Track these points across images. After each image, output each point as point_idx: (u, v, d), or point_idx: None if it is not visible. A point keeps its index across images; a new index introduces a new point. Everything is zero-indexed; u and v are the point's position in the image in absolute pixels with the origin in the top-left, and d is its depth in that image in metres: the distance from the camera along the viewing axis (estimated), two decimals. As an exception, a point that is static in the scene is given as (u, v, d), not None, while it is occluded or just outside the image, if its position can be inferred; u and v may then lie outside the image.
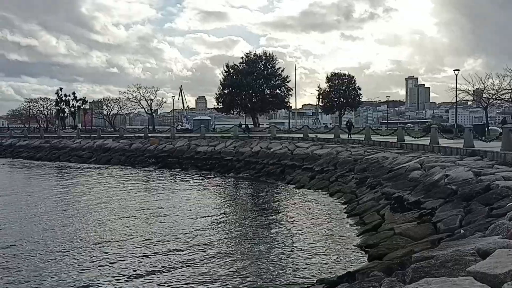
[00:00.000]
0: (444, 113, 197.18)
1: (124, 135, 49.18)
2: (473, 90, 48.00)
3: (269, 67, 62.02)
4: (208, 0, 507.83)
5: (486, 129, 38.24)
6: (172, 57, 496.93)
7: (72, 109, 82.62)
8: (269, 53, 63.62)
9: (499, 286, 4.47)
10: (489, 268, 4.78)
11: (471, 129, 20.78)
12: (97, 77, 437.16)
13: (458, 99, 47.51)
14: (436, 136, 22.99)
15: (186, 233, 13.91)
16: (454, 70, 43.62)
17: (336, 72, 74.30)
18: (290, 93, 64.73)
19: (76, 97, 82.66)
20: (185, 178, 28.97)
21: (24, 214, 17.53)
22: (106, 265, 10.71)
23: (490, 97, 47.41)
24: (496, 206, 10.06)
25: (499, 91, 45.49)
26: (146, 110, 77.91)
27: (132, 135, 49.98)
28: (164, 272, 10.27)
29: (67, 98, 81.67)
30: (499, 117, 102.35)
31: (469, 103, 70.62)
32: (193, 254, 11.58)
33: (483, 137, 25.55)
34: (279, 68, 62.87)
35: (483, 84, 46.76)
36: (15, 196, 22.53)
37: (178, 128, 67.98)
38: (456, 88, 44.55)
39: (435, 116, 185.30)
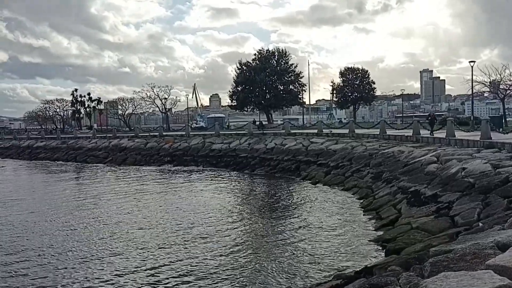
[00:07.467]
0: (460, 105, 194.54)
1: (139, 134, 49.54)
2: (490, 82, 47.25)
3: (282, 63, 61.73)
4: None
5: (503, 120, 37.67)
6: (183, 55, 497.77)
7: (87, 109, 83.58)
8: (282, 49, 63.41)
9: (519, 279, 4.43)
10: (509, 261, 4.74)
11: (488, 121, 20.50)
12: (109, 77, 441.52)
13: (474, 91, 46.87)
14: (452, 129, 22.72)
15: (202, 229, 14.03)
16: (469, 62, 43.12)
17: (350, 66, 74.10)
18: (303, 88, 64.54)
19: (91, 97, 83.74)
20: (201, 176, 29.15)
21: (51, 212, 17.86)
22: (124, 256, 10.99)
23: (507, 88, 46.64)
24: (515, 199, 9.95)
25: (516, 81, 44.76)
26: (161, 109, 78.44)
27: (147, 134, 50.38)
28: (178, 264, 10.56)
29: (82, 99, 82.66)
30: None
31: (485, 94, 69.59)
32: (209, 249, 11.66)
33: (501, 129, 25.22)
34: (292, 64, 62.66)
35: (500, 75, 45.97)
36: (42, 195, 22.91)
37: (192, 126, 68.26)
38: (472, 79, 43.98)
39: (451, 108, 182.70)
